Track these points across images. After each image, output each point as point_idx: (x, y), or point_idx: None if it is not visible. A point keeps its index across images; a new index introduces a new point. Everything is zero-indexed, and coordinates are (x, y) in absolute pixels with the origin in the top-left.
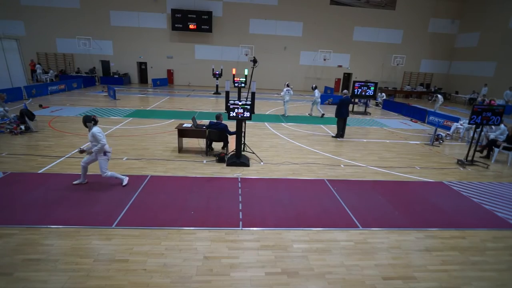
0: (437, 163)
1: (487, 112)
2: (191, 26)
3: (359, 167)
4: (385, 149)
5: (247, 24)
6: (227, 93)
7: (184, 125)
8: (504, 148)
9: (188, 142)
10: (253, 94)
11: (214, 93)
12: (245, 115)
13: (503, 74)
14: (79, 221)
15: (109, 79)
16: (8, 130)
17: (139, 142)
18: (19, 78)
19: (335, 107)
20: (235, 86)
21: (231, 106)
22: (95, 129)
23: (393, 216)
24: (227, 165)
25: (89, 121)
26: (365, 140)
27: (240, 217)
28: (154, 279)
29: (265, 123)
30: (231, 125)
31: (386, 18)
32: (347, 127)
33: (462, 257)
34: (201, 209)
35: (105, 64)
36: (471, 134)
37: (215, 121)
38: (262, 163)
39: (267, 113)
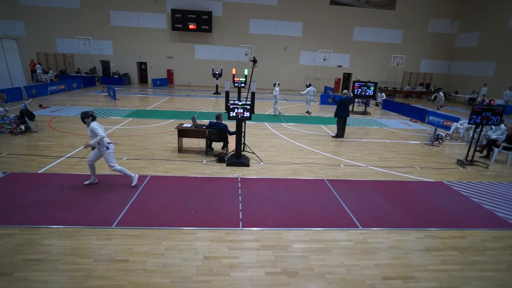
0: (437, 163)
1: (487, 112)
2: (191, 26)
3: (359, 167)
4: (385, 149)
5: (247, 24)
6: (227, 93)
7: (184, 125)
8: (504, 148)
9: (188, 142)
10: (253, 94)
11: (214, 93)
12: (245, 115)
13: (503, 74)
14: (79, 221)
15: (109, 79)
16: (8, 130)
17: (139, 142)
18: (19, 78)
19: (335, 107)
20: (235, 86)
21: (231, 106)
22: (93, 124)
23: (393, 216)
24: (227, 165)
25: (87, 117)
26: (365, 140)
27: (240, 217)
28: (154, 279)
29: (265, 123)
30: (231, 125)
31: (386, 18)
32: (347, 127)
33: (462, 257)
34: (201, 209)
35: (105, 64)
36: (471, 134)
37: (215, 121)
38: (262, 163)
39: (267, 113)
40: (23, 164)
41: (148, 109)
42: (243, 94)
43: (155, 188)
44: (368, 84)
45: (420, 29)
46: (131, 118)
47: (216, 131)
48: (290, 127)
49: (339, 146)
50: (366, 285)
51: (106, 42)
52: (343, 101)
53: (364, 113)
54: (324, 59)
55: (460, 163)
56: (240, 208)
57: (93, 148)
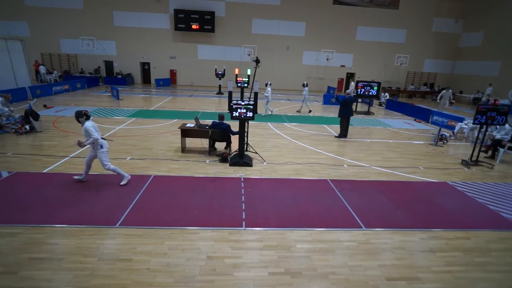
0: (441, 163)
1: (492, 112)
2: (194, 26)
3: (362, 167)
4: (388, 149)
5: (250, 24)
6: (230, 93)
7: (187, 125)
8: (509, 148)
9: (191, 142)
10: (255, 94)
11: (216, 93)
12: (248, 115)
13: (508, 74)
14: (83, 220)
15: (112, 79)
16: (13, 130)
17: (142, 142)
18: (24, 79)
19: (337, 107)
20: (237, 86)
21: (234, 106)
22: (88, 123)
23: (396, 217)
24: (230, 165)
25: (81, 116)
26: (368, 140)
27: (243, 217)
28: (157, 278)
29: (268, 123)
30: (234, 125)
31: (389, 18)
32: (350, 127)
33: (467, 258)
34: (204, 209)
35: (109, 65)
36: (476, 134)
37: (218, 121)
38: (265, 163)
39: (257, 113)
40: (28, 164)
41: (151, 109)
42: (246, 94)
43: (159, 188)
44: (372, 84)
45: (423, 29)
46: (134, 118)
47: (219, 131)
48: (293, 127)
49: (342, 146)
50: (370, 286)
51: (110, 42)
52: (346, 101)
53: (368, 113)
54: (327, 59)
55: (465, 163)
56: (243, 208)
57: (82, 146)
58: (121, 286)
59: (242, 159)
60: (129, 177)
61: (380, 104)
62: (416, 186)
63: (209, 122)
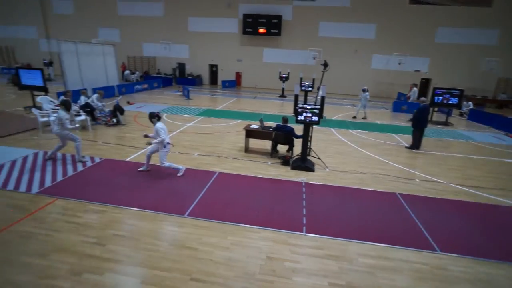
0: None
1: None
2: (261, 30)
3: (438, 183)
4: (471, 165)
5: (317, 27)
6: (296, 96)
7: (251, 126)
8: None
9: (254, 143)
10: (322, 98)
11: (279, 96)
12: (313, 119)
13: None
14: (156, 207)
15: (183, 80)
16: (103, 122)
17: (209, 139)
18: (113, 78)
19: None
20: (302, 90)
21: (300, 110)
22: (158, 124)
23: (480, 244)
24: (291, 169)
25: (153, 117)
26: (445, 154)
27: (304, 222)
28: (219, 270)
29: (331, 129)
30: (297, 129)
31: (479, 16)
32: (424, 138)
33: None
34: (265, 209)
35: (181, 66)
36: None
37: (282, 123)
38: (327, 169)
39: (334, 119)
40: (114, 152)
41: (217, 109)
42: (309, 98)
43: (223, 184)
44: (453, 91)
45: None
46: (202, 117)
47: (283, 134)
48: (358, 134)
49: (414, 158)
50: None
51: (184, 46)
52: (420, 110)
53: (446, 123)
54: (399, 63)
55: None
56: (304, 213)
57: (147, 139)
58: (187, 272)
59: (304, 163)
60: (184, 168)
61: (461, 115)
62: (507, 211)
63: (272, 124)
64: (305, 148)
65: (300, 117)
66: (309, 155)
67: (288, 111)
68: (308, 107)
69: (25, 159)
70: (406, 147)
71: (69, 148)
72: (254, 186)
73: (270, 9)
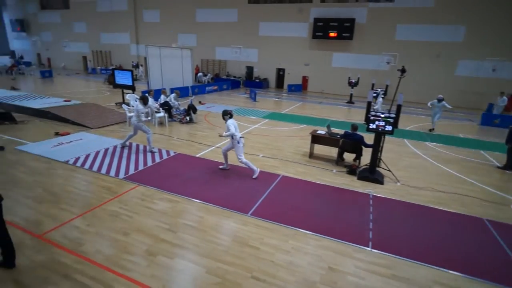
0: None
1: None
2: (332, 34)
3: None
4: None
5: (393, 30)
6: (369, 103)
7: (318, 132)
8: None
9: (319, 149)
10: (399, 106)
11: (347, 102)
12: (386, 129)
13: None
14: (223, 203)
15: (251, 83)
16: (178, 119)
17: (273, 142)
18: (188, 80)
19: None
20: (373, 97)
21: (372, 118)
22: (230, 121)
23: None
24: (358, 179)
25: (226, 114)
26: None
27: (370, 236)
28: (280, 273)
29: (404, 140)
30: (367, 138)
31: None
32: None
33: None
34: (329, 218)
35: (250, 70)
36: None
37: (351, 131)
38: (398, 183)
39: (407, 129)
40: (186, 148)
41: (282, 112)
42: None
43: (286, 188)
44: None
45: None
46: (267, 120)
47: (351, 142)
48: (436, 148)
49: (508, 180)
50: None
51: (253, 50)
52: None
53: None
54: (494, 69)
55: None
56: (371, 227)
57: (220, 136)
58: (248, 269)
59: (372, 174)
60: (258, 170)
61: None
62: None
63: (340, 131)
64: (375, 158)
65: (372, 126)
66: (378, 166)
67: (356, 118)
68: (382, 115)
69: (114, 148)
70: (498, 167)
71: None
72: (317, 193)
73: (342, 13)
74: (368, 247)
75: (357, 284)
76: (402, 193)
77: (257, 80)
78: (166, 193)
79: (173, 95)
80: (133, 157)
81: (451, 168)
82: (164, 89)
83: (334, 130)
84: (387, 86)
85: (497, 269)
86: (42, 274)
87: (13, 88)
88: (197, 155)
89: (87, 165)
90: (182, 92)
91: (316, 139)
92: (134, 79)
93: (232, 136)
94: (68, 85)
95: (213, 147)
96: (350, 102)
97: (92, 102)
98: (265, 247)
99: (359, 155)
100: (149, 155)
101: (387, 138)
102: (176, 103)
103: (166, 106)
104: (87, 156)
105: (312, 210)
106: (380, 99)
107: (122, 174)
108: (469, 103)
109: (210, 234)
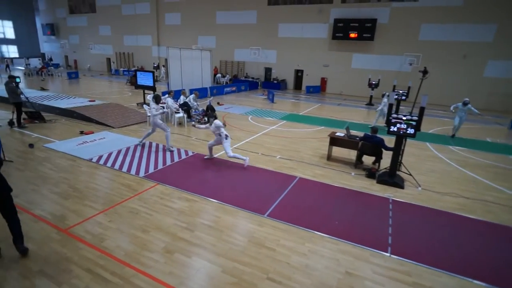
0: None
1: None
2: (352, 35)
3: None
4: None
5: (417, 30)
6: (390, 105)
7: (336, 134)
8: None
9: (337, 151)
10: (422, 109)
11: (366, 104)
12: (408, 132)
13: None
14: (240, 203)
15: (269, 84)
16: (197, 120)
17: (291, 143)
18: (207, 80)
19: None
20: (395, 99)
21: (393, 120)
22: (216, 121)
23: None
24: (377, 182)
25: (212, 117)
26: None
27: (389, 242)
28: (296, 275)
29: (427, 143)
30: (387, 141)
31: None
32: None
33: None
34: (346, 221)
35: (268, 71)
36: None
37: (371, 134)
38: (419, 188)
39: (430, 132)
40: (204, 148)
41: (300, 114)
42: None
43: (303, 190)
44: None
45: None
46: (285, 121)
47: (371, 145)
48: (460, 152)
49: None
50: None
51: (272, 51)
52: None
53: None
54: None
55: None
56: (390, 232)
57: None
58: (264, 270)
59: (392, 178)
60: (248, 159)
61: None
62: None
63: (359, 133)
64: (395, 162)
65: (393, 128)
66: (399, 170)
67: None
68: (404, 118)
69: (135, 147)
70: None
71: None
72: (335, 196)
73: (364, 13)
74: (387, 252)
75: None
76: (423, 198)
77: (275, 82)
78: (184, 192)
79: (192, 96)
80: (153, 156)
81: (477, 174)
82: (184, 90)
83: (353, 132)
84: (409, 87)
85: None
86: (66, 267)
87: (42, 89)
88: (214, 155)
89: (109, 163)
90: (201, 93)
91: (334, 141)
92: (155, 80)
93: (220, 134)
94: (92, 86)
95: (231, 148)
96: (370, 104)
97: (114, 102)
98: (282, 249)
99: (378, 158)
100: (168, 154)
101: (409, 141)
102: (195, 104)
103: (185, 107)
104: (109, 155)
105: (330, 213)
106: (385, 100)
107: (142, 173)
108: (498, 106)
109: (226, 234)
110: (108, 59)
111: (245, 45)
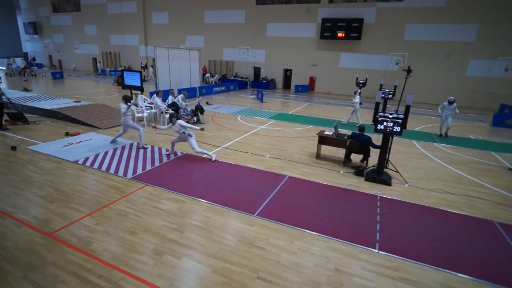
0: None
1: None
2: (339, 34)
3: None
4: None
5: (402, 30)
6: (377, 104)
7: (325, 133)
8: None
9: (326, 150)
10: (407, 107)
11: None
12: (394, 130)
13: None
14: (229, 203)
15: (258, 83)
16: (185, 120)
17: (280, 143)
18: (196, 80)
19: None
20: (381, 98)
21: (380, 119)
22: (179, 121)
23: None
24: (365, 180)
25: (174, 117)
26: None
27: (377, 238)
28: (286, 273)
29: (413, 141)
30: (374, 139)
31: None
32: None
33: None
34: (335, 219)
35: (257, 70)
36: None
37: (358, 132)
38: (406, 184)
39: (416, 130)
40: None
41: (289, 113)
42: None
43: (292, 189)
44: None
45: None
46: (274, 120)
47: (358, 143)
48: (445, 149)
49: None
50: None
51: (260, 51)
52: None
53: None
54: (506, 69)
55: None
56: (378, 228)
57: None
58: (254, 270)
59: (380, 175)
60: (215, 155)
61: None
62: None
63: (347, 132)
64: (383, 159)
65: (380, 126)
66: (386, 167)
67: (364, 118)
68: (390, 116)
69: (123, 148)
70: (510, 169)
71: (156, 142)
72: (324, 194)
73: (351, 13)
74: (375, 249)
75: (364, 286)
76: (410, 195)
77: (264, 81)
78: (173, 193)
79: (180, 96)
80: (140, 157)
81: (461, 170)
82: (172, 89)
83: (342, 131)
84: (395, 86)
85: (507, 273)
86: (52, 272)
87: (26, 89)
88: (204, 156)
89: (96, 165)
90: (189, 93)
91: (323, 140)
92: (142, 80)
93: (184, 132)
94: (78, 86)
95: (220, 147)
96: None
97: (101, 103)
98: (271, 247)
99: (366, 156)
100: (156, 155)
101: (395, 139)
102: (184, 103)
103: (174, 107)
104: (96, 156)
105: (319, 211)
106: (358, 97)
107: (130, 174)
108: (480, 104)
109: (216, 234)
110: (94, 59)
111: (234, 45)
